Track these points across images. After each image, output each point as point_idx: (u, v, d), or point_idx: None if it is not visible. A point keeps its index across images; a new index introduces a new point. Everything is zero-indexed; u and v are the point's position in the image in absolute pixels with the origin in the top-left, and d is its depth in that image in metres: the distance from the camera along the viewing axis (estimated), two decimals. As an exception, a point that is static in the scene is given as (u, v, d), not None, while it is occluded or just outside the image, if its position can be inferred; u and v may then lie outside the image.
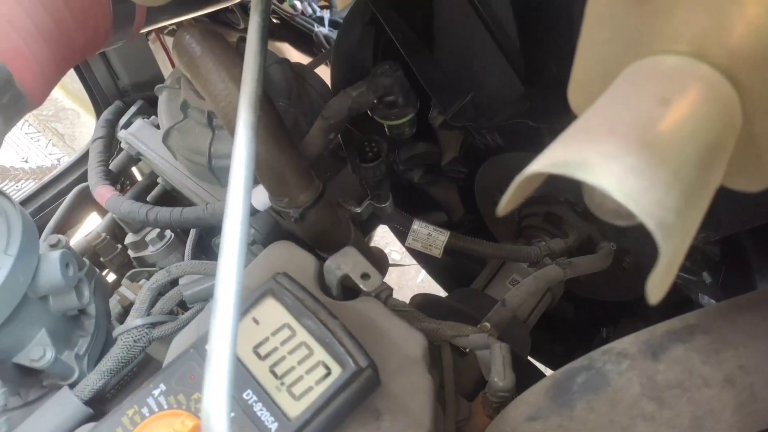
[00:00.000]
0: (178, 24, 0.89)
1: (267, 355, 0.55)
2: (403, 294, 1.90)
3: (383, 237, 1.90)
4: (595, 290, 1.08)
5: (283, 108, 0.70)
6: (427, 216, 1.17)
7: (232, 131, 0.59)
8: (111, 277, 1.00)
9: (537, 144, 0.87)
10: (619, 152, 0.30)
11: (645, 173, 0.30)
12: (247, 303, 0.58)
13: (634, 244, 0.93)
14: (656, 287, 0.32)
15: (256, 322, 0.57)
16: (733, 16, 0.30)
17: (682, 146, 0.31)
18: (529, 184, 0.35)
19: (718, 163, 0.33)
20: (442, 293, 1.43)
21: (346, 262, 0.65)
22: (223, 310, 0.44)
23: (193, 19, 0.85)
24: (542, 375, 1.01)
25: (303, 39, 1.49)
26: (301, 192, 0.64)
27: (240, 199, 0.46)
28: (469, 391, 0.74)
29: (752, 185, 0.37)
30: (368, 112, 0.73)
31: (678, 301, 0.93)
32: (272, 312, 0.58)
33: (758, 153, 0.34)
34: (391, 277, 1.74)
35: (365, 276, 0.65)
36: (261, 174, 0.63)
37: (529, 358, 1.06)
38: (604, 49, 0.36)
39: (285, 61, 0.74)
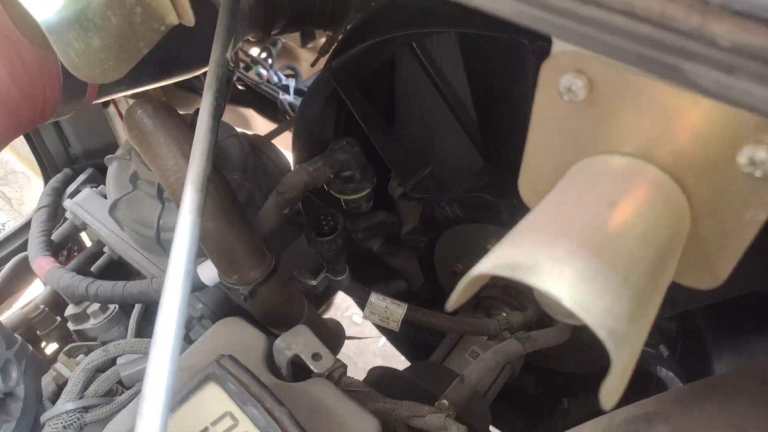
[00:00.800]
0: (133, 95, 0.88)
1: (207, 448, 0.52)
2: (364, 359, 1.85)
3: (345, 299, 1.87)
4: (556, 361, 1.07)
5: (238, 182, 0.69)
6: (387, 285, 1.15)
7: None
8: (53, 347, 0.94)
9: (495, 217, 0.87)
10: (569, 257, 0.30)
11: (595, 279, 0.29)
12: (187, 389, 0.54)
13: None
14: (610, 394, 0.31)
15: (196, 408, 0.54)
16: (676, 123, 0.30)
17: (632, 249, 0.31)
18: (477, 282, 0.34)
19: (668, 264, 0.33)
20: (403, 359, 1.40)
21: (296, 342, 0.63)
22: (154, 400, 0.41)
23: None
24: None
25: (268, 106, 1.49)
26: (251, 269, 0.62)
27: (179, 283, 0.44)
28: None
29: (703, 284, 0.37)
30: (325, 186, 0.72)
31: (636, 374, 0.92)
32: (214, 399, 0.54)
33: (707, 254, 0.34)
34: (353, 341, 1.69)
35: (316, 356, 0.62)
36: (210, 251, 0.60)
37: (491, 429, 1.04)
38: (551, 148, 0.36)
39: (241, 136, 0.73)
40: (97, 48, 0.50)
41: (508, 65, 0.75)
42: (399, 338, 1.37)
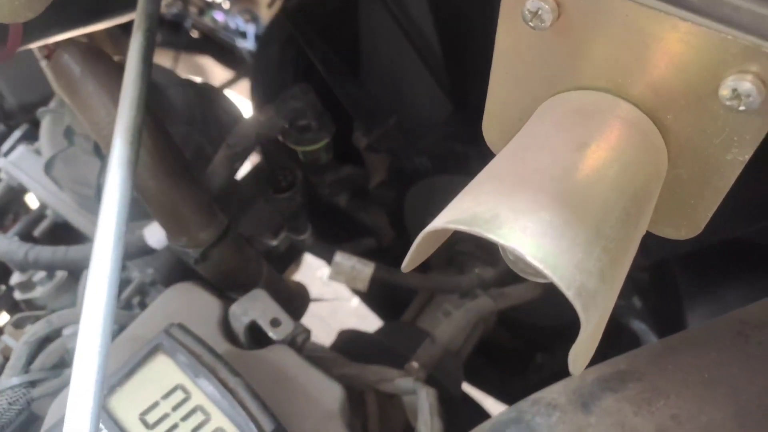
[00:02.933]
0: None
1: (156, 423, 0.48)
2: (337, 319, 1.83)
3: (317, 258, 1.83)
4: (530, 314, 1.06)
5: (184, 134, 0.63)
6: (357, 242, 1.11)
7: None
8: (4, 318, 0.89)
9: (465, 166, 0.83)
10: (534, 207, 0.26)
11: (563, 232, 0.25)
12: (134, 361, 0.51)
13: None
14: (578, 358, 0.28)
15: (144, 382, 0.50)
16: (654, 50, 0.26)
17: (603, 195, 0.27)
18: (434, 239, 0.30)
19: (644, 211, 0.29)
20: (377, 318, 1.38)
21: (254, 307, 0.59)
22: (85, 378, 0.37)
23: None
24: (478, 407, 0.98)
25: (226, 54, 1.41)
26: (201, 230, 0.57)
27: (109, 250, 0.39)
28: (398, 435, 0.69)
29: (681, 233, 0.33)
30: (279, 137, 0.67)
31: (610, 328, 0.91)
32: (163, 371, 0.50)
33: (685, 200, 0.31)
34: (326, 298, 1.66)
35: (275, 322, 0.58)
36: (154, 211, 0.56)
37: (465, 384, 1.03)
38: (516, 85, 0.32)
39: (187, 83, 0.67)
40: (3, -18, 0.44)
41: (473, 6, 0.70)
42: (371, 297, 1.34)
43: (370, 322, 1.45)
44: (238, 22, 1.44)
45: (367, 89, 0.91)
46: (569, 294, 0.25)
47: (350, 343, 0.82)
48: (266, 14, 1.51)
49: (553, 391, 0.48)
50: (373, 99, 0.90)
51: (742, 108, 0.25)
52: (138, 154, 0.44)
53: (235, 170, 0.61)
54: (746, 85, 0.24)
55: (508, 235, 0.25)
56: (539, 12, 0.28)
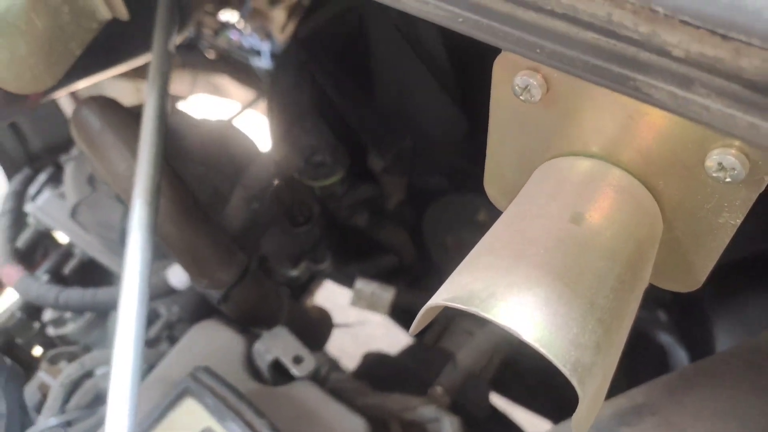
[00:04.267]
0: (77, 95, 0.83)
1: (185, 467, 0.50)
2: (366, 330, 1.84)
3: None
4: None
5: (200, 175, 0.65)
6: (379, 260, 1.12)
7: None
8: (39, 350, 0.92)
9: (481, 185, 0.83)
10: (529, 283, 0.27)
11: (557, 307, 0.26)
12: (163, 405, 0.53)
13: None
14: (580, 424, 0.29)
15: (173, 426, 0.52)
16: (639, 124, 0.26)
17: (597, 266, 0.28)
18: (435, 311, 0.31)
19: (639, 276, 0.30)
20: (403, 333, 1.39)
21: (276, 345, 0.60)
22: (117, 426, 0.39)
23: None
24: (506, 421, 0.98)
25: (242, 73, 1.43)
26: (221, 271, 0.59)
27: (134, 303, 0.41)
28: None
29: (682, 287, 0.33)
30: (296, 175, 0.68)
31: (636, 342, 0.91)
32: (192, 414, 0.52)
33: (683, 257, 0.31)
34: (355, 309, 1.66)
35: (298, 359, 0.60)
36: (176, 255, 0.58)
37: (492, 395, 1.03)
38: (513, 149, 0.33)
39: (201, 123, 0.69)
40: (23, 55, 0.46)
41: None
42: (397, 313, 1.35)
43: (396, 332, 1.46)
44: (252, 41, 1.46)
45: (380, 112, 0.92)
46: (565, 371, 0.25)
47: (374, 366, 0.83)
48: (280, 35, 1.53)
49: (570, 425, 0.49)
50: (387, 122, 0.91)
51: (728, 180, 0.25)
52: (157, 212, 0.46)
53: (253, 210, 0.63)
54: (730, 159, 0.25)
55: (503, 314, 0.26)
56: (528, 87, 0.29)
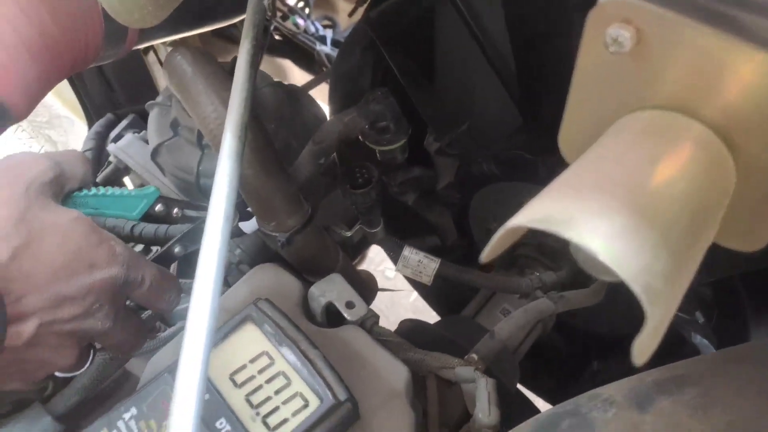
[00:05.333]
0: (172, 42, 0.88)
1: (243, 384, 0.54)
2: (396, 312, 1.88)
3: (378, 253, 1.89)
4: (588, 322, 1.07)
5: (274, 131, 0.69)
6: (421, 240, 1.16)
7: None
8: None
9: (532, 175, 0.86)
10: (607, 211, 0.29)
11: (633, 235, 0.29)
12: (226, 328, 0.57)
13: (627, 279, 0.92)
14: (642, 350, 0.31)
15: (234, 347, 0.56)
16: (727, 78, 0.29)
17: (671, 207, 0.30)
18: (511, 235, 0.34)
19: (710, 224, 0.32)
20: (433, 315, 1.42)
21: (330, 290, 0.64)
22: (196, 337, 0.43)
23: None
24: (531, 405, 1.00)
25: (305, 57, 1.48)
26: (288, 217, 0.63)
27: (219, 227, 0.45)
28: (455, 422, 0.72)
29: (746, 245, 0.36)
30: (360, 137, 0.72)
31: (670, 341, 0.92)
32: (251, 339, 0.56)
33: (751, 215, 0.33)
34: (385, 294, 1.72)
35: (350, 304, 0.63)
36: (248, 198, 0.62)
37: (518, 386, 1.05)
38: (594, 102, 0.35)
39: (278, 84, 0.73)
40: (137, -9, 0.50)
41: (552, 18, 0.72)
42: (430, 293, 1.38)
43: (426, 317, 1.49)
44: (317, 26, 1.51)
45: (440, 96, 0.95)
46: (636, 290, 0.28)
47: (411, 332, 0.86)
48: (344, 21, 1.58)
49: (611, 389, 0.51)
50: (446, 106, 0.94)
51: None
52: (244, 146, 0.50)
53: (320, 166, 0.66)
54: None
55: (582, 235, 0.29)
56: (619, 39, 0.31)
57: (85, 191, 0.55)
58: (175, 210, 0.61)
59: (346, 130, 0.69)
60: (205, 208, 0.64)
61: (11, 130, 1.02)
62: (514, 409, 0.90)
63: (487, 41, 0.87)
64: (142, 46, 0.69)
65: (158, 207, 0.60)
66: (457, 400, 0.76)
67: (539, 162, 0.83)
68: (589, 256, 0.34)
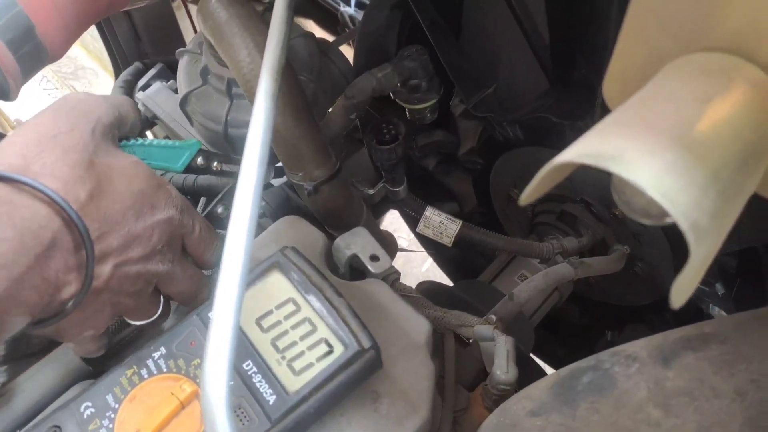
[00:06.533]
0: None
1: (270, 328, 0.55)
2: (408, 281, 1.89)
3: (392, 222, 1.89)
4: (604, 293, 1.07)
5: (304, 82, 0.69)
6: (439, 205, 1.15)
7: (252, 100, 0.58)
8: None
9: (558, 140, 0.85)
10: (657, 148, 0.29)
11: (683, 172, 0.29)
12: (253, 274, 0.57)
13: (648, 251, 0.91)
14: (682, 289, 0.31)
15: (260, 293, 0.57)
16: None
17: (722, 147, 0.30)
18: (556, 174, 0.34)
19: (757, 167, 0.32)
20: (447, 283, 1.43)
21: (355, 242, 0.64)
22: (229, 280, 0.43)
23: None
24: (544, 373, 1.01)
25: (328, 18, 1.47)
26: (316, 167, 0.63)
27: (254, 167, 0.45)
28: (470, 382, 0.73)
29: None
30: (390, 94, 0.71)
31: (687, 313, 0.92)
32: (278, 285, 0.57)
33: (799, 163, 0.33)
34: (397, 264, 1.72)
35: (374, 258, 0.64)
36: (276, 145, 0.62)
37: (531, 355, 1.06)
38: (647, 41, 0.35)
39: (309, 35, 0.73)
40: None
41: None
42: (445, 259, 1.39)
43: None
44: (341, -13, 1.49)
45: (467, 56, 0.94)
46: (684, 225, 0.28)
47: (429, 293, 0.87)
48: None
49: (634, 345, 0.51)
50: (473, 67, 0.93)
51: None
52: (279, 88, 0.50)
53: (352, 121, 0.66)
54: None
55: (632, 170, 0.29)
56: (681, -27, 0.31)
57: (132, 140, 0.55)
58: (215, 163, 0.61)
59: (379, 86, 0.69)
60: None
61: (37, 79, 1.02)
62: (528, 375, 0.91)
63: (519, 5, 0.85)
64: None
65: (199, 160, 0.60)
66: (473, 360, 0.76)
67: (567, 126, 0.82)
68: (631, 196, 0.34)
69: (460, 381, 0.73)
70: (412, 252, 1.57)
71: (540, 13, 0.85)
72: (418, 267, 1.92)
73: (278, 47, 0.50)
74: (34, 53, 0.57)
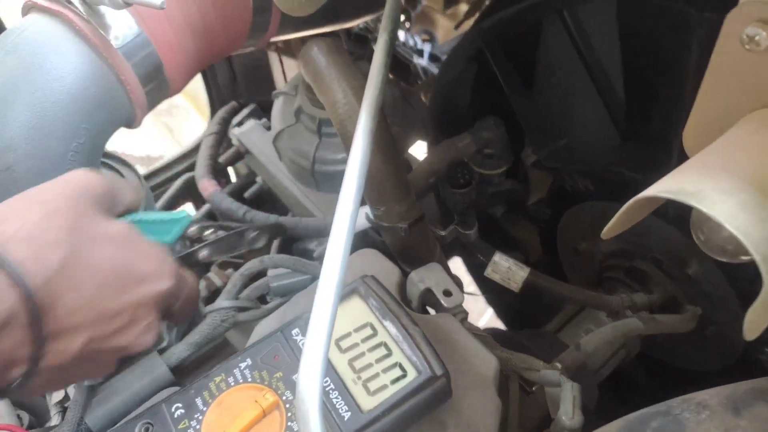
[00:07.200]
0: (303, 38, 0.96)
1: (348, 349, 0.58)
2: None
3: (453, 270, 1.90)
4: (672, 354, 1.05)
5: (389, 124, 0.74)
6: (505, 254, 1.17)
7: (345, 140, 0.64)
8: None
9: (630, 195, 0.88)
10: (733, 188, 0.32)
11: (756, 210, 0.31)
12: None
13: (720, 313, 0.90)
14: (755, 321, 0.33)
15: (341, 316, 0.60)
16: None
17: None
18: (639, 211, 0.36)
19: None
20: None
21: (429, 277, 0.68)
22: (325, 302, 0.46)
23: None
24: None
25: (401, 68, 1.55)
26: (397, 203, 0.67)
27: (351, 196, 0.50)
28: (533, 428, 0.73)
29: None
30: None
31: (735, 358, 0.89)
32: (357, 310, 0.60)
33: None
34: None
35: (447, 293, 0.67)
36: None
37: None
38: (724, 98, 0.38)
39: (395, 82, 0.79)
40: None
41: (670, 38, 0.74)
42: (504, 309, 1.39)
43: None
44: (416, 40, 1.58)
45: (541, 108, 0.97)
46: (758, 258, 0.30)
47: (494, 336, 0.88)
48: (443, 36, 1.64)
49: (705, 394, 0.51)
50: (546, 118, 0.96)
51: None
52: (376, 126, 0.55)
53: (430, 185, 0.71)
54: None
55: (710, 206, 0.31)
56: (756, 37, 0.34)
57: (126, 216, 0.56)
58: (208, 231, 0.66)
59: (458, 155, 0.74)
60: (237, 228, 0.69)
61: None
62: (589, 428, 0.89)
63: (592, 59, 0.89)
64: (277, 39, 0.76)
65: (191, 230, 0.64)
66: (536, 405, 0.77)
67: (640, 180, 0.84)
68: (709, 233, 0.37)
69: (523, 427, 0.73)
70: (473, 295, 1.57)
71: (614, 68, 0.89)
72: (476, 322, 1.91)
73: (377, 89, 0.56)
74: (160, 88, 0.64)
